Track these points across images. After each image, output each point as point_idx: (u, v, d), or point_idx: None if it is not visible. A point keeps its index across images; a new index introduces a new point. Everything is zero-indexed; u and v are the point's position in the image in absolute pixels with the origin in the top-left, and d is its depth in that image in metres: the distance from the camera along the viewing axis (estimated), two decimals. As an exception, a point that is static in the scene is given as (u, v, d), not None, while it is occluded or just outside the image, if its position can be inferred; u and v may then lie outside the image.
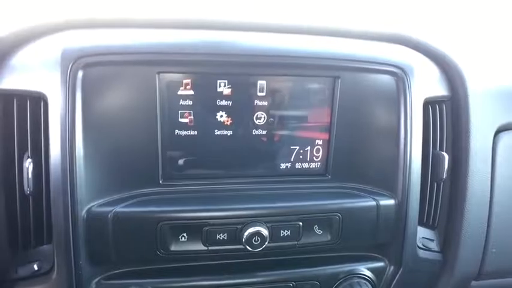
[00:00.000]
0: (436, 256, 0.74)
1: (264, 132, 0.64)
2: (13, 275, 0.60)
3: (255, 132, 0.64)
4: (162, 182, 0.61)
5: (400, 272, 0.68)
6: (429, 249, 0.72)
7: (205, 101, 0.61)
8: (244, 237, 0.58)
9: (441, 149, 0.71)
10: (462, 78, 0.71)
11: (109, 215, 0.56)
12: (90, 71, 0.55)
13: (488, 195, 0.75)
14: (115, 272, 0.60)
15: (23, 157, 0.58)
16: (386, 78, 0.65)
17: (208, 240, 0.59)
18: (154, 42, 0.58)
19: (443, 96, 0.71)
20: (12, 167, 0.58)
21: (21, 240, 0.60)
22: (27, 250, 0.60)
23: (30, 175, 0.56)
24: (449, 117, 0.72)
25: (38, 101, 0.57)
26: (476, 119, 0.72)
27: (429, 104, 0.69)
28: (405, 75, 0.64)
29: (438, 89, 0.70)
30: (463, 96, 0.71)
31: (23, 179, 0.57)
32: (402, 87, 0.65)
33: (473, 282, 0.81)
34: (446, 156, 0.69)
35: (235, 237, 0.59)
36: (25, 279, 0.59)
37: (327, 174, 0.67)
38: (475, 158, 0.72)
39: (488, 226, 0.76)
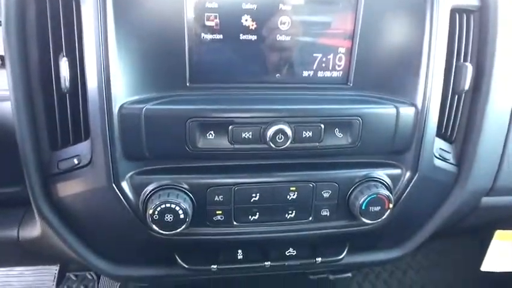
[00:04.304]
0: (451, 168, 0.76)
1: (288, 38, 0.65)
2: (55, 170, 0.65)
3: (279, 37, 0.64)
4: (190, 84, 0.64)
5: (415, 178, 0.71)
6: (445, 160, 0.75)
7: (231, 4, 0.61)
8: (269, 135, 0.61)
9: (465, 60, 0.71)
10: None
11: (141, 112, 0.59)
12: None
13: (509, 111, 0.75)
14: (148, 168, 0.65)
15: (58, 57, 0.60)
16: None
17: (234, 138, 0.62)
18: None
19: (471, 6, 0.69)
20: (48, 67, 0.61)
21: (60, 138, 0.65)
22: (66, 147, 0.65)
23: (67, 73, 0.58)
24: (476, 28, 0.71)
25: (69, 2, 0.58)
26: (503, 33, 0.70)
27: (456, 12, 0.68)
28: None
29: None
30: (492, 6, 0.69)
31: (59, 78, 0.60)
32: None
33: (484, 198, 0.84)
34: (470, 67, 0.69)
35: (259, 136, 0.62)
36: (66, 173, 0.64)
37: (349, 83, 0.68)
38: (499, 72, 0.72)
39: (506, 142, 0.78)
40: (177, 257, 0.74)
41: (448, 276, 1.63)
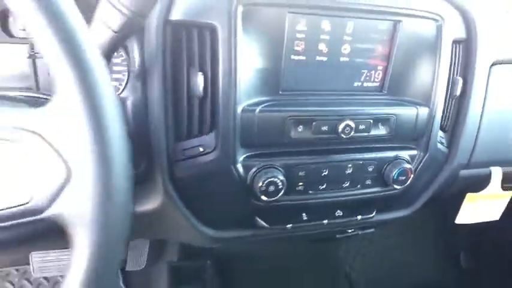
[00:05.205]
0: (445, 149, 1.09)
1: (347, 59, 0.91)
2: (181, 156, 0.86)
3: (341, 59, 0.91)
4: (281, 92, 0.88)
5: (425, 157, 1.03)
6: (442, 144, 1.07)
7: (312, 35, 0.86)
8: (340, 128, 0.88)
9: (457, 75, 1.03)
10: (475, 24, 1.01)
11: (255, 113, 0.83)
12: (245, 8, 0.78)
13: (481, 108, 1.10)
14: (254, 153, 0.88)
15: (189, 71, 0.81)
16: (429, 23, 0.94)
17: (316, 130, 0.88)
18: None
19: (461, 38, 1.01)
20: (181, 78, 0.81)
21: (186, 132, 0.85)
22: (190, 139, 0.86)
23: (201, 84, 0.79)
24: (464, 53, 1.03)
25: (203, 30, 0.79)
26: (481, 56, 1.03)
27: (454, 43, 1.00)
28: (443, 21, 0.93)
29: (460, 32, 1.00)
30: (474, 38, 1.02)
31: (189, 86, 0.81)
32: (440, 30, 0.94)
33: (462, 171, 1.19)
34: (461, 80, 1.01)
35: (332, 128, 0.89)
36: (192, 158, 0.85)
37: (383, 90, 0.97)
38: (478, 84, 1.05)
39: (478, 132, 1.12)
40: (258, 219, 0.98)
41: (421, 238, 2.04)
